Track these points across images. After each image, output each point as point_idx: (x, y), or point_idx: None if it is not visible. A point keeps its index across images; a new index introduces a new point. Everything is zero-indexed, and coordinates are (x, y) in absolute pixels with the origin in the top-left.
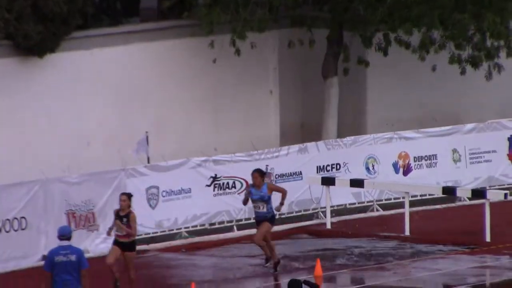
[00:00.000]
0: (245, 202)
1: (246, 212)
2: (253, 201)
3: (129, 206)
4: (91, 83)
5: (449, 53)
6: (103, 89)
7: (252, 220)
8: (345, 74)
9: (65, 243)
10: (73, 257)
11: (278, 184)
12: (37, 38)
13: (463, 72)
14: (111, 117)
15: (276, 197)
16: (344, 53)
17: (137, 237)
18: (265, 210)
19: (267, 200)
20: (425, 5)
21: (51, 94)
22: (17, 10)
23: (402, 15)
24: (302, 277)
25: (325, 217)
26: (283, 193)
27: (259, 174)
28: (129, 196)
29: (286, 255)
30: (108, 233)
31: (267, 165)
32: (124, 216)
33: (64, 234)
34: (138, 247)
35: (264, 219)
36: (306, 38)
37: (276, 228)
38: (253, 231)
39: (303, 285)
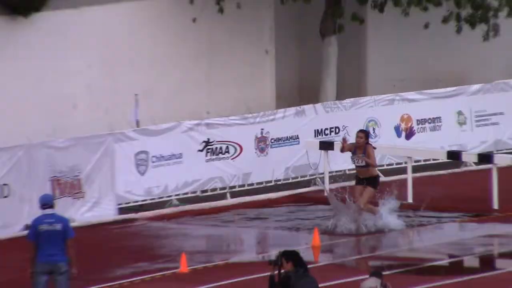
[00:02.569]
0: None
1: (240, 178)
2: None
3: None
4: (78, 43)
5: (447, 10)
6: (91, 50)
7: (246, 187)
8: (339, 31)
9: (49, 211)
10: (58, 226)
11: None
12: None
13: (458, 30)
14: (99, 79)
15: None
16: (336, 9)
17: (124, 205)
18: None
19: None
20: None
21: (36, 55)
22: None
23: None
24: (298, 247)
25: (324, 183)
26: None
27: (364, 134)
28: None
29: (281, 225)
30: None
31: (262, 129)
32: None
33: (46, 203)
34: (125, 216)
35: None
36: None
37: (272, 195)
38: (247, 198)
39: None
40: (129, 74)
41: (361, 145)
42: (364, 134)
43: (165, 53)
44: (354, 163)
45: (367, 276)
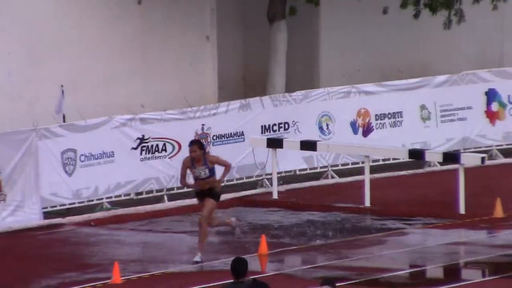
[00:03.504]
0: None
1: (178, 180)
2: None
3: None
4: None
5: None
6: (11, 35)
7: (185, 189)
8: (290, 14)
9: None
10: None
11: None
12: None
13: (416, 15)
14: (21, 68)
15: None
16: None
17: (50, 209)
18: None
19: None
20: None
21: None
22: None
23: None
24: (245, 255)
25: (271, 185)
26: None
27: (197, 145)
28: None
29: (226, 230)
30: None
31: (203, 124)
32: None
33: None
34: (51, 221)
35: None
36: None
37: None
38: (186, 202)
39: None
40: (55, 62)
41: (199, 157)
42: (197, 145)
43: (94, 39)
44: (198, 177)
45: (318, 286)
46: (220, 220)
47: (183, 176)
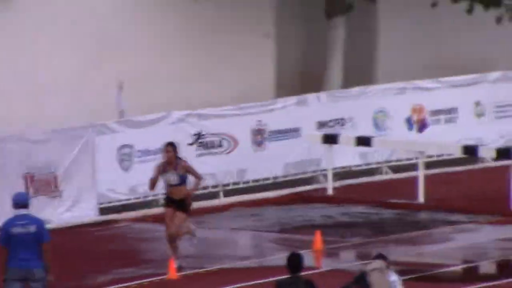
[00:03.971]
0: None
1: (235, 175)
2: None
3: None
4: (59, 25)
5: None
6: (73, 33)
7: (242, 185)
8: (348, 11)
9: (22, 211)
10: (32, 228)
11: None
12: None
13: (470, 10)
14: (79, 66)
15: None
16: None
17: (107, 205)
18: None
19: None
20: None
21: (11, 39)
22: None
23: None
24: (301, 250)
25: (326, 181)
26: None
27: (172, 147)
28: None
29: (281, 226)
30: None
31: (259, 120)
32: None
33: (19, 202)
34: (107, 217)
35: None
36: None
37: (270, 194)
38: (242, 197)
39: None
40: (115, 59)
41: (171, 160)
42: (172, 146)
43: (153, 37)
44: (168, 183)
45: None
46: (185, 230)
47: (153, 182)
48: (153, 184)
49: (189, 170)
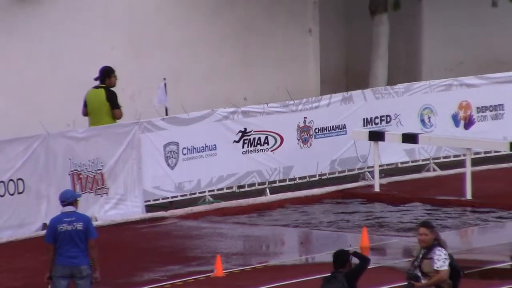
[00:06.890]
0: None
1: (281, 172)
2: None
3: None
4: (100, 23)
5: None
6: (114, 31)
7: (288, 182)
8: (395, 9)
9: (68, 209)
10: (79, 225)
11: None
12: None
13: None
14: (123, 62)
15: None
16: None
17: (152, 202)
18: None
19: None
20: None
21: (55, 35)
22: None
23: None
24: (347, 248)
25: (373, 178)
26: None
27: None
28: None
29: (327, 223)
30: None
31: (305, 117)
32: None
33: (66, 199)
34: (153, 214)
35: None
36: None
37: (316, 191)
38: (288, 194)
39: (351, 256)
40: (157, 56)
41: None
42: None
43: (196, 33)
44: None
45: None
46: None
47: None
48: None
49: None
